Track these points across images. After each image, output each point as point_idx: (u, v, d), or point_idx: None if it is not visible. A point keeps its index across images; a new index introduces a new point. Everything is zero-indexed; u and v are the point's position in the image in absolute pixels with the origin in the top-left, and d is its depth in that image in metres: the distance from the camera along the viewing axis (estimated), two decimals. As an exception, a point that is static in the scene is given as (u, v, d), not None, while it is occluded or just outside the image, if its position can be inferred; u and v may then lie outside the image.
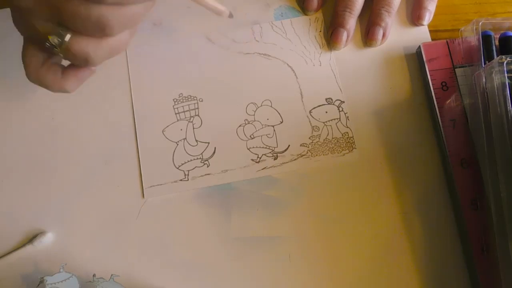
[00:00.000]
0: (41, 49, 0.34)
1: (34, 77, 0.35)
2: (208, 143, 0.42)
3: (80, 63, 0.34)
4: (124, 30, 0.33)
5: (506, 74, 0.36)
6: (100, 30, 0.32)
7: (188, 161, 0.41)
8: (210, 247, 0.40)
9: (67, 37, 0.32)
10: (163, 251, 0.39)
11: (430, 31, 0.44)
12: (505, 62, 0.36)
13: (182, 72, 0.43)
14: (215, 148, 0.41)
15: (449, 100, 0.41)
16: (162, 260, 0.39)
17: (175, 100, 0.43)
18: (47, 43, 0.32)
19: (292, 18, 0.44)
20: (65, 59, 0.34)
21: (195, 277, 0.39)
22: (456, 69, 0.42)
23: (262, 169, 0.41)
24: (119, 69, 0.43)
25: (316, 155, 0.41)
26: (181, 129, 0.42)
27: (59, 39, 0.32)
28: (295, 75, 0.43)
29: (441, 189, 0.40)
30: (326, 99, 0.43)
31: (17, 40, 0.35)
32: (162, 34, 0.44)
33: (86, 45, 0.33)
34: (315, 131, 0.42)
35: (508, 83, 0.36)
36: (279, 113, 0.42)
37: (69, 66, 0.36)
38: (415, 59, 0.43)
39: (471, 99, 0.41)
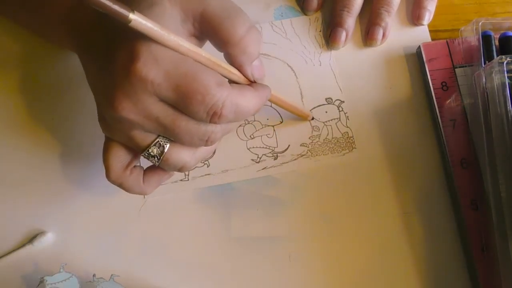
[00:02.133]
0: (126, 153, 0.34)
1: (116, 180, 0.34)
2: (208, 143, 0.42)
3: (173, 170, 0.34)
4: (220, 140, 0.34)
5: (506, 74, 0.36)
6: (204, 143, 0.32)
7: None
8: (210, 247, 0.40)
9: (167, 147, 0.32)
10: (163, 251, 0.39)
11: (430, 31, 0.44)
12: (505, 62, 0.36)
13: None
14: (215, 148, 0.41)
15: (449, 100, 0.41)
16: (162, 260, 0.39)
17: (175, 100, 0.43)
18: (144, 153, 0.33)
19: (292, 18, 0.44)
20: (161, 166, 0.34)
21: (195, 277, 0.39)
22: (456, 69, 0.42)
23: (262, 169, 0.41)
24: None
25: (316, 155, 0.41)
26: (181, 129, 0.42)
27: (159, 150, 0.32)
28: (295, 75, 0.43)
29: (441, 189, 0.40)
30: (326, 99, 0.43)
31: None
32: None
33: (183, 154, 0.33)
34: (315, 131, 0.42)
35: (508, 83, 0.36)
36: (279, 113, 0.42)
37: (150, 170, 0.36)
38: (415, 59, 0.43)
39: (471, 99, 0.41)
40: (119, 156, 0.34)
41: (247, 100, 0.32)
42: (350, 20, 0.43)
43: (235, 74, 0.32)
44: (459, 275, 0.39)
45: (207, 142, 0.32)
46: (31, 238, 0.39)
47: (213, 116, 0.30)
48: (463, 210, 0.38)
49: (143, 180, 0.35)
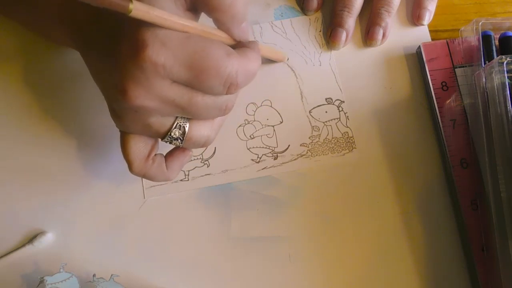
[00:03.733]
0: (144, 143, 0.34)
1: (140, 172, 0.35)
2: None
3: (197, 147, 0.35)
4: None
5: (506, 74, 0.36)
6: (222, 113, 0.33)
7: (188, 161, 0.41)
8: (210, 247, 0.40)
9: (187, 126, 0.33)
10: (163, 251, 0.39)
11: (430, 31, 0.44)
12: (505, 62, 0.36)
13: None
14: (215, 148, 0.41)
15: (449, 100, 0.41)
16: (162, 260, 0.39)
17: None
18: (167, 138, 0.33)
19: (292, 18, 0.44)
20: (184, 147, 0.34)
21: (195, 277, 0.39)
22: (456, 69, 0.42)
23: (262, 169, 0.41)
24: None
25: (316, 155, 0.41)
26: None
27: (180, 131, 0.33)
28: (295, 75, 0.43)
29: (441, 189, 0.40)
30: (326, 99, 0.43)
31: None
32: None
33: (204, 130, 0.34)
34: (315, 131, 0.42)
35: (508, 83, 0.36)
36: (279, 113, 0.42)
37: (170, 155, 0.36)
38: (415, 59, 0.43)
39: (471, 99, 0.41)
40: (139, 148, 0.34)
41: (253, 62, 0.32)
42: (351, 20, 0.43)
43: (225, 38, 0.33)
44: (459, 275, 0.39)
45: (225, 111, 0.33)
46: (31, 238, 0.39)
47: (230, 87, 0.31)
48: (463, 210, 0.38)
49: (166, 166, 0.36)
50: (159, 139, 0.34)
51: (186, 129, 0.33)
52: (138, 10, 0.27)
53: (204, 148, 0.41)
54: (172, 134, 0.33)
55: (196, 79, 0.30)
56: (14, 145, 0.41)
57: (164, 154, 0.36)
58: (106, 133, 0.41)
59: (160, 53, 0.29)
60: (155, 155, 0.35)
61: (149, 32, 0.29)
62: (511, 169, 0.35)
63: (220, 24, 0.32)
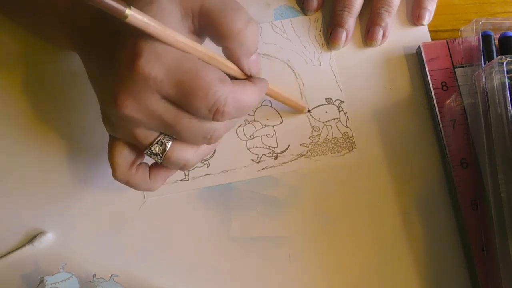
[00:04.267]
0: (131, 151, 0.34)
1: (123, 178, 0.35)
2: (208, 143, 0.42)
3: (175, 168, 0.35)
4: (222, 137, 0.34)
5: (506, 74, 0.36)
6: (207, 141, 0.33)
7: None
8: (210, 247, 0.40)
9: (169, 145, 0.32)
10: (163, 251, 0.39)
11: (430, 31, 0.44)
12: (505, 62, 0.36)
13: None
14: (216, 146, 0.41)
15: (449, 100, 0.41)
16: (162, 260, 0.39)
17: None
18: (147, 151, 0.33)
19: (292, 18, 0.44)
20: (163, 164, 0.34)
21: (195, 277, 0.39)
22: (456, 69, 0.42)
23: (262, 169, 0.41)
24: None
25: (316, 155, 0.41)
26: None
27: (160, 148, 0.32)
28: (295, 75, 0.43)
29: (441, 189, 0.40)
30: (326, 99, 0.43)
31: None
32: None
33: (186, 153, 0.33)
34: (315, 131, 0.42)
35: (508, 83, 0.36)
36: (279, 113, 0.42)
37: (156, 166, 0.36)
38: (415, 59, 0.43)
39: (471, 99, 0.41)
40: (124, 155, 0.34)
41: (248, 95, 0.32)
42: (351, 20, 0.43)
43: (231, 68, 0.32)
44: (459, 275, 0.39)
45: (210, 140, 0.32)
46: (31, 238, 0.39)
47: (216, 113, 0.30)
48: (463, 210, 0.38)
49: (149, 176, 0.35)
50: None
51: (168, 147, 0.32)
52: (134, 18, 0.27)
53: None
54: (152, 148, 0.32)
55: (183, 98, 0.29)
56: (14, 145, 0.41)
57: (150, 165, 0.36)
58: (107, 134, 0.41)
59: (153, 65, 0.28)
60: (140, 164, 0.35)
61: (147, 43, 0.29)
62: (511, 169, 0.35)
63: (229, 53, 0.32)
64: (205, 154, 0.35)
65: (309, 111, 0.42)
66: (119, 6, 0.26)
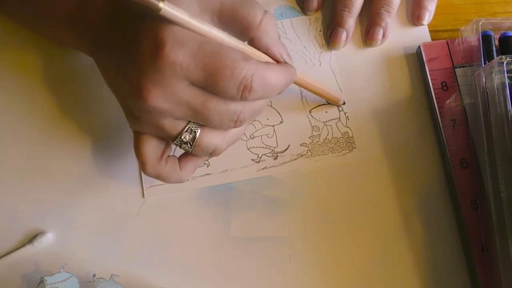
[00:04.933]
0: (158, 144, 0.34)
1: (153, 172, 0.35)
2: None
3: (205, 155, 0.35)
4: (249, 121, 0.35)
5: (506, 74, 0.36)
6: (233, 124, 0.33)
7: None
8: (210, 247, 0.40)
9: (198, 132, 0.33)
10: (163, 251, 0.39)
11: (430, 31, 0.44)
12: (505, 62, 0.36)
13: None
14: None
15: (449, 100, 0.41)
16: (162, 260, 0.39)
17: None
18: (176, 141, 0.33)
19: (292, 18, 0.44)
20: (192, 153, 0.34)
21: (195, 277, 0.39)
22: (456, 69, 0.42)
23: (262, 169, 0.41)
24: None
25: (316, 155, 0.41)
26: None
27: (190, 136, 0.33)
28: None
29: (441, 189, 0.40)
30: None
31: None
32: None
33: (214, 138, 0.34)
34: (315, 131, 0.42)
35: (508, 83, 0.36)
36: (279, 113, 0.42)
37: (185, 156, 0.36)
38: (415, 59, 0.43)
39: (471, 99, 0.41)
40: (152, 148, 0.34)
41: (274, 74, 0.32)
42: (351, 20, 0.43)
43: (263, 58, 0.33)
44: (459, 275, 0.39)
45: (236, 122, 0.33)
46: (31, 238, 0.39)
47: (244, 91, 0.30)
48: (463, 210, 0.38)
49: (179, 167, 0.36)
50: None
51: (197, 134, 0.33)
52: (167, 10, 0.28)
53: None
54: (183, 137, 0.33)
55: (210, 80, 0.30)
56: (14, 145, 0.41)
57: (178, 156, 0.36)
58: (107, 134, 0.41)
59: (178, 52, 0.29)
60: (168, 156, 0.35)
61: (168, 31, 0.29)
62: (511, 169, 0.35)
63: (257, 43, 0.32)
64: (233, 140, 0.35)
65: (344, 103, 0.42)
66: (154, 1, 0.27)
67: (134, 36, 0.30)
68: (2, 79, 0.42)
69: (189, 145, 0.33)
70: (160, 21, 0.29)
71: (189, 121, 0.33)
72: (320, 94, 0.40)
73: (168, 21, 0.29)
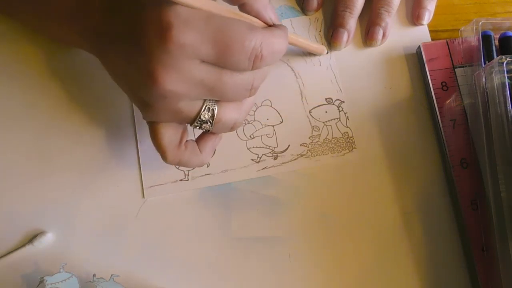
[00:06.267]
0: (175, 130, 0.34)
1: (174, 159, 0.35)
2: (208, 143, 0.42)
3: (225, 130, 0.35)
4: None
5: (506, 74, 0.36)
6: (248, 93, 0.33)
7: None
8: (210, 247, 0.40)
9: (216, 108, 0.33)
10: (163, 251, 0.39)
11: (430, 31, 0.44)
12: (505, 62, 0.36)
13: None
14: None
15: (449, 100, 0.41)
16: (162, 260, 0.39)
17: (175, 100, 0.42)
18: (196, 122, 0.33)
19: (292, 18, 0.44)
20: (213, 131, 0.34)
21: (195, 277, 0.39)
22: (456, 69, 0.42)
23: (262, 169, 0.41)
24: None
25: (316, 155, 0.41)
26: (181, 129, 0.42)
27: (209, 114, 0.33)
28: (295, 75, 0.43)
29: (441, 189, 0.40)
30: (326, 99, 0.43)
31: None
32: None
33: (233, 111, 0.34)
34: (315, 131, 0.42)
35: (508, 83, 0.36)
36: (279, 113, 0.42)
37: (202, 138, 0.37)
38: (415, 59, 0.43)
39: (471, 99, 0.41)
40: (170, 136, 0.34)
41: (278, 38, 0.32)
42: (352, 21, 0.43)
43: (255, 21, 0.33)
44: (459, 275, 0.39)
45: (251, 91, 0.33)
46: (31, 238, 0.39)
47: (255, 60, 0.31)
48: (463, 210, 0.38)
49: (199, 150, 0.36)
50: (188, 125, 0.35)
51: (215, 111, 0.33)
52: None
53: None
54: (202, 117, 0.33)
55: (222, 55, 0.30)
56: (14, 145, 0.41)
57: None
58: (107, 134, 0.41)
59: (185, 32, 0.29)
60: (187, 141, 0.36)
61: (172, 13, 0.29)
62: (511, 169, 0.35)
63: (248, 9, 0.33)
64: (248, 110, 0.36)
65: (327, 52, 0.43)
66: None
67: (138, 24, 0.30)
68: (2, 80, 0.42)
69: (209, 123, 0.33)
70: (161, 4, 0.29)
71: (204, 100, 0.33)
72: (305, 47, 0.41)
73: (169, 3, 0.29)
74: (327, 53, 0.43)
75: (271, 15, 0.34)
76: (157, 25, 0.29)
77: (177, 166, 0.41)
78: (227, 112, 0.34)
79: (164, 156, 0.35)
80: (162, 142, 0.34)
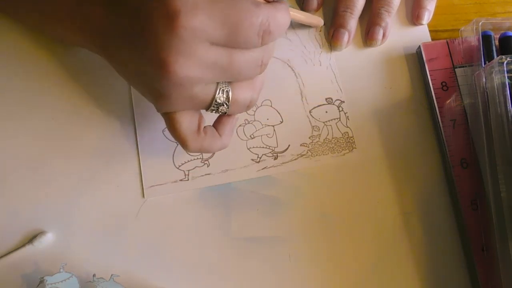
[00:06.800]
0: (191, 118, 0.34)
1: (196, 146, 0.35)
2: (208, 143, 0.42)
3: (242, 110, 0.35)
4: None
5: (506, 74, 0.36)
6: (259, 69, 0.34)
7: (188, 161, 0.41)
8: (210, 247, 0.40)
9: (230, 90, 0.33)
10: (163, 251, 0.39)
11: (430, 31, 0.44)
12: (505, 62, 0.36)
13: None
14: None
15: (449, 100, 0.41)
16: (162, 260, 0.39)
17: (175, 100, 0.42)
18: (213, 106, 0.33)
19: (292, 18, 0.44)
20: (229, 113, 0.35)
21: (195, 277, 0.39)
22: (456, 69, 0.42)
23: (262, 169, 0.41)
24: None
25: (316, 155, 0.41)
26: (181, 129, 0.42)
27: (224, 96, 0.33)
28: (295, 75, 0.43)
29: (441, 189, 0.40)
30: (326, 99, 0.43)
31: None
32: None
33: (247, 90, 0.34)
34: (315, 131, 0.42)
35: (508, 83, 0.36)
36: (279, 113, 0.42)
37: (219, 122, 0.37)
38: (415, 59, 0.43)
39: (471, 99, 0.41)
40: (189, 124, 0.34)
41: (282, 12, 0.33)
42: (353, 21, 0.43)
43: None
44: (459, 275, 0.39)
45: (261, 66, 0.33)
46: (31, 238, 0.39)
47: (264, 36, 0.31)
48: (463, 210, 0.38)
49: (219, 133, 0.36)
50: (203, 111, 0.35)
51: (230, 93, 0.33)
52: None
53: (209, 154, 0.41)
54: (218, 100, 0.33)
55: (232, 34, 0.30)
56: (14, 145, 0.41)
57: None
58: (107, 133, 0.41)
59: (193, 16, 0.29)
60: (205, 127, 0.36)
61: (178, 0, 0.29)
62: (511, 169, 0.35)
63: None
64: (261, 87, 0.36)
65: (324, 24, 0.44)
66: None
67: (143, 15, 0.30)
68: (2, 81, 0.42)
69: (225, 106, 0.34)
70: None
71: (218, 83, 0.33)
72: (303, 20, 0.42)
73: None
74: (324, 24, 0.44)
75: None
76: (164, 13, 0.29)
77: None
78: (241, 92, 0.34)
79: (185, 145, 0.35)
80: (182, 130, 0.34)
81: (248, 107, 0.36)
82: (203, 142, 0.35)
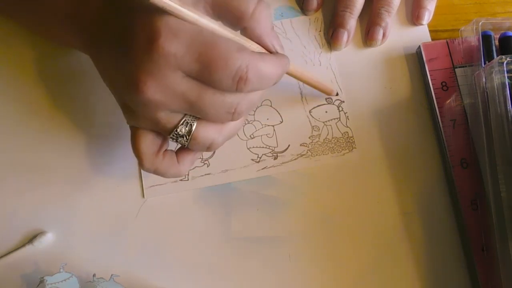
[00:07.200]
0: (155, 138, 0.34)
1: (151, 167, 0.34)
2: (208, 143, 0.42)
3: (201, 149, 0.34)
4: (246, 114, 0.34)
5: (506, 74, 0.36)
6: (230, 116, 0.32)
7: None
8: (210, 247, 0.40)
9: (194, 125, 0.33)
10: (163, 251, 0.39)
11: (430, 31, 0.44)
12: (505, 62, 0.36)
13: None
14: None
15: (449, 100, 0.41)
16: (162, 260, 0.39)
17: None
18: (172, 134, 0.33)
19: (292, 18, 0.44)
20: (188, 147, 0.34)
21: (195, 277, 0.39)
22: (456, 69, 0.42)
23: (262, 169, 0.41)
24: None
25: (316, 154, 0.41)
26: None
27: (186, 129, 0.32)
28: (295, 75, 0.43)
29: (441, 189, 0.40)
30: (326, 99, 0.43)
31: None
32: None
33: (211, 132, 0.33)
34: (315, 130, 0.42)
35: (508, 83, 0.36)
36: (279, 113, 0.42)
37: (182, 149, 0.36)
38: (415, 59, 0.43)
39: (471, 99, 0.41)
40: (149, 143, 0.34)
41: (268, 64, 0.32)
42: (352, 21, 0.43)
43: (256, 48, 0.32)
44: (459, 275, 0.39)
45: (233, 115, 0.32)
46: (31, 238, 0.39)
47: (239, 82, 0.30)
48: (463, 210, 0.38)
49: (177, 160, 0.36)
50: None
51: (193, 127, 0.33)
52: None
53: (210, 152, 0.41)
54: (178, 130, 0.32)
55: (205, 70, 0.29)
56: (14, 145, 0.41)
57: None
58: (107, 133, 0.41)
59: (172, 43, 0.29)
60: (166, 150, 0.35)
61: (161, 22, 0.29)
62: (511, 169, 0.35)
63: (249, 33, 0.32)
64: (230, 134, 0.35)
65: (337, 94, 0.42)
66: None
67: (129, 29, 0.30)
68: (2, 81, 0.42)
69: (185, 138, 0.33)
70: (153, 12, 0.29)
71: (185, 114, 0.32)
72: (313, 84, 0.40)
73: (161, 12, 0.29)
74: (337, 94, 0.42)
75: (273, 42, 0.33)
76: (146, 32, 0.29)
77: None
78: (205, 131, 0.33)
79: (140, 163, 0.34)
80: (140, 148, 0.34)
81: (208, 148, 0.34)
82: (158, 165, 0.35)
